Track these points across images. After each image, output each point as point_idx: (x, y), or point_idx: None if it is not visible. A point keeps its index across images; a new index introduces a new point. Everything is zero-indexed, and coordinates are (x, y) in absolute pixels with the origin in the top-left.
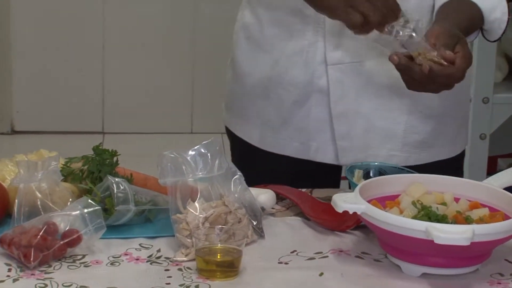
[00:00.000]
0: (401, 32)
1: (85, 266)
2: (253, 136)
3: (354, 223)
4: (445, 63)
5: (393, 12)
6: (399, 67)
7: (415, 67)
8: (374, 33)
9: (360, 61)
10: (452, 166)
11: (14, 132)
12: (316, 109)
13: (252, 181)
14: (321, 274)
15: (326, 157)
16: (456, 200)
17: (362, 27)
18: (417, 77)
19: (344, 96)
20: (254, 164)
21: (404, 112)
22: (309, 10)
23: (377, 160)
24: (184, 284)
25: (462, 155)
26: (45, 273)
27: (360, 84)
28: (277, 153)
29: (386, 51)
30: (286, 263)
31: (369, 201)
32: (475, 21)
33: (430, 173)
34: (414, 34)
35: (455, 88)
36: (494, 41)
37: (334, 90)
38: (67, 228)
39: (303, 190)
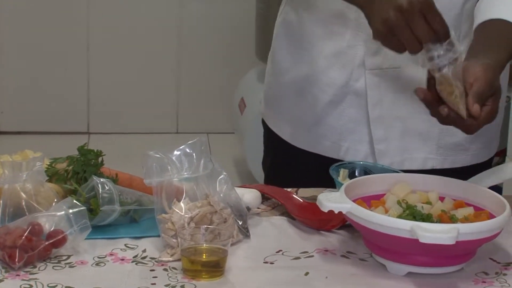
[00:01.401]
0: (436, 60)
1: (70, 266)
2: (285, 132)
3: (339, 222)
4: (465, 117)
5: (438, 38)
6: (423, 101)
7: (434, 105)
8: None
9: (398, 67)
10: (484, 169)
11: None
12: (350, 110)
13: (282, 175)
14: (307, 273)
15: (356, 158)
16: (441, 199)
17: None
18: (435, 114)
19: (381, 100)
20: (286, 158)
21: None
22: (351, 13)
23: (414, 163)
24: (169, 284)
25: (493, 157)
26: (30, 273)
27: (397, 89)
28: (308, 150)
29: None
30: (271, 263)
31: (354, 201)
32: None
33: (466, 176)
34: (447, 69)
35: None
36: None
37: (371, 94)
38: (52, 229)
39: (289, 189)
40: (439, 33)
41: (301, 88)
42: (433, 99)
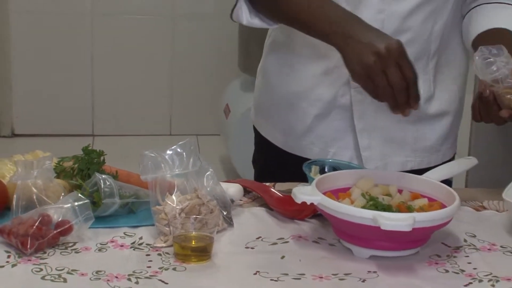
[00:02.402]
0: (498, 71)
1: (75, 252)
2: (277, 139)
3: (311, 212)
4: None
5: (408, 84)
6: (484, 97)
7: (494, 107)
8: (478, 55)
9: None
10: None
11: (14, 135)
12: (336, 121)
13: (273, 175)
14: (283, 257)
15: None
16: (400, 191)
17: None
18: (490, 111)
19: (364, 113)
20: (277, 161)
21: (413, 123)
22: None
23: (395, 166)
24: (163, 267)
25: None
26: (41, 259)
27: (377, 103)
28: (298, 155)
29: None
30: (252, 248)
31: (324, 193)
32: None
33: None
34: (510, 81)
35: (460, 99)
36: None
37: (356, 108)
38: (60, 219)
39: (267, 184)
40: (410, 80)
41: (291, 102)
42: (493, 99)
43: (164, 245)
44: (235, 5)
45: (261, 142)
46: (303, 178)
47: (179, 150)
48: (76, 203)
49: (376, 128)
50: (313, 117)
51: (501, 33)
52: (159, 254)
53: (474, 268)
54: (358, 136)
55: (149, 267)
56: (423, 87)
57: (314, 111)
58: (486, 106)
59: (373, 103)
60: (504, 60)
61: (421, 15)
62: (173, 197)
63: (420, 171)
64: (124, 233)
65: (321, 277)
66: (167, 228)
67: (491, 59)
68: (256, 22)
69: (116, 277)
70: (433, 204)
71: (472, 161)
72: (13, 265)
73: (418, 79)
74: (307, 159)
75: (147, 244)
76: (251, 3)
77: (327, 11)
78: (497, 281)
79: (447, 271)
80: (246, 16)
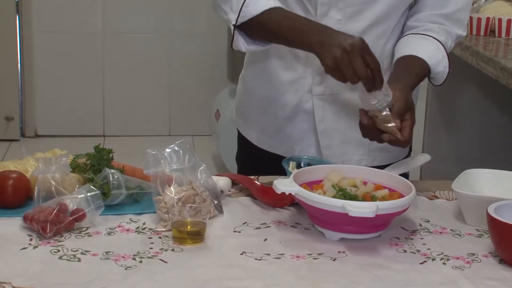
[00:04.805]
0: (379, 103)
1: (88, 236)
2: (253, 137)
3: (290, 201)
4: (400, 137)
5: (372, 73)
6: (363, 123)
7: (375, 131)
8: (361, 89)
9: (337, 93)
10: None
11: (37, 135)
12: (301, 123)
13: (252, 168)
14: (265, 239)
15: None
16: (364, 183)
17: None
18: (372, 133)
19: (325, 117)
20: (254, 156)
21: None
22: (301, 52)
23: (351, 163)
24: (163, 248)
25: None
26: (58, 241)
27: (337, 109)
28: (270, 151)
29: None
30: (239, 232)
31: (300, 185)
32: (425, 74)
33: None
34: (387, 110)
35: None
36: (438, 85)
37: (317, 113)
38: (75, 207)
39: (252, 177)
40: (374, 69)
41: (264, 106)
42: (372, 125)
43: (164, 229)
44: (233, 37)
45: (241, 140)
46: (276, 171)
47: (176, 148)
48: (88, 194)
49: (335, 130)
50: (282, 119)
51: (412, 58)
52: (160, 237)
53: (428, 249)
54: (319, 136)
55: (151, 248)
56: None
57: (283, 114)
58: (368, 129)
59: (332, 109)
60: (383, 93)
61: (374, 34)
62: (172, 188)
63: (374, 168)
64: (130, 219)
65: (298, 257)
66: (166, 215)
67: (373, 92)
68: (252, 47)
69: (123, 257)
70: (393, 194)
71: (426, 157)
72: (35, 247)
73: (380, 66)
74: (277, 155)
75: (149, 228)
76: (244, 30)
77: (304, 27)
78: (448, 259)
79: (405, 251)
80: (244, 45)
